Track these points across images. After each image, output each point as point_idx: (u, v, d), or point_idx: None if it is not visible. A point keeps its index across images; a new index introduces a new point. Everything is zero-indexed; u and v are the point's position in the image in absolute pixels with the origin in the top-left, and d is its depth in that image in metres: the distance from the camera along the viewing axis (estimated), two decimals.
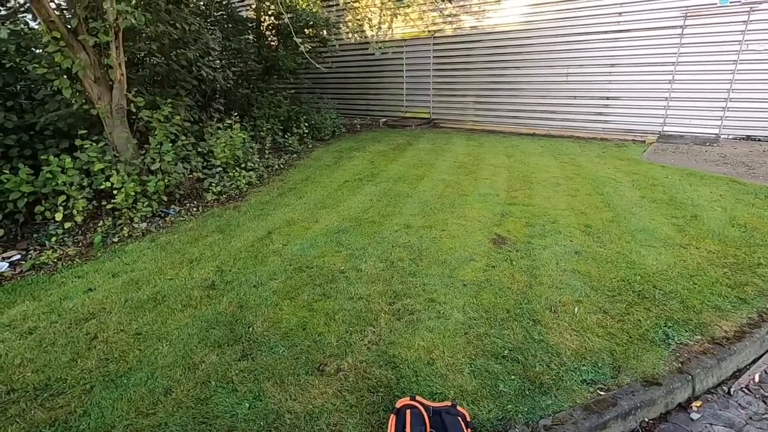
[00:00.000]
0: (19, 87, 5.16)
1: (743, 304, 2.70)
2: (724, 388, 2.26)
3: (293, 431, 1.91)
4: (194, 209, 5.00)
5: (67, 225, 4.18)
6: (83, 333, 2.66)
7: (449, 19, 10.16)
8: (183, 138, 5.44)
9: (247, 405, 2.05)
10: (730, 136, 7.64)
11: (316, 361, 2.32)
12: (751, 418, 2.08)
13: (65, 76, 4.67)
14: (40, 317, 2.87)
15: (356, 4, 11.28)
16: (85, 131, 4.68)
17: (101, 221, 4.40)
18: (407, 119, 11.42)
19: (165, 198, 4.93)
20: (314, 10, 9.35)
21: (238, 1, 11.52)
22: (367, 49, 9.48)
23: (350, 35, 11.76)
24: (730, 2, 6.93)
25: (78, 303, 3.02)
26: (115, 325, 2.74)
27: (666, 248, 3.47)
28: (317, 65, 6.92)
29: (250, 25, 9.23)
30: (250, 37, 9.16)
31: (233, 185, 5.61)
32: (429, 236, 3.86)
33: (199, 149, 5.80)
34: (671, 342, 2.38)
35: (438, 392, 2.08)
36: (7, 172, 4.16)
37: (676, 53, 7.56)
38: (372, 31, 10.96)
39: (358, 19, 11.12)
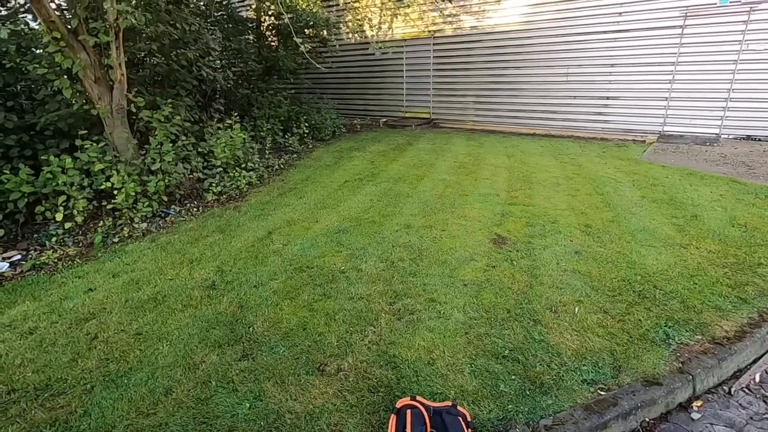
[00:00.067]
0: (19, 87, 5.17)
1: (744, 303, 2.70)
2: (725, 388, 2.26)
3: (294, 431, 1.91)
4: (194, 209, 5.00)
5: (67, 225, 4.18)
6: (83, 333, 2.66)
7: (449, 19, 10.16)
8: (183, 138, 5.44)
9: (248, 405, 2.05)
10: (730, 136, 7.63)
11: (316, 361, 2.32)
12: (751, 418, 2.08)
13: (65, 77, 4.67)
14: (40, 317, 2.87)
15: (356, 4, 11.29)
16: (86, 131, 4.68)
17: (101, 221, 4.40)
18: (407, 119, 11.42)
19: (165, 198, 4.93)
20: (314, 11, 9.35)
21: (238, 2, 11.52)
22: (367, 49, 9.48)
23: (350, 35, 11.76)
24: (730, 2, 6.93)
25: (78, 303, 3.02)
26: (115, 325, 2.74)
27: (666, 248, 3.47)
28: (317, 65, 6.92)
29: (251, 25, 9.23)
30: (251, 37, 9.16)
31: (233, 185, 5.61)
32: (429, 236, 3.86)
33: (200, 149, 5.80)
34: (672, 342, 2.38)
35: (438, 392, 2.07)
36: (8, 172, 4.16)
37: (676, 53, 7.56)
38: (372, 31, 10.97)
39: (358, 19, 11.13)
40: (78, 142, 4.55)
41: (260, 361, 2.33)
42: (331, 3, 11.62)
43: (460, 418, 1.77)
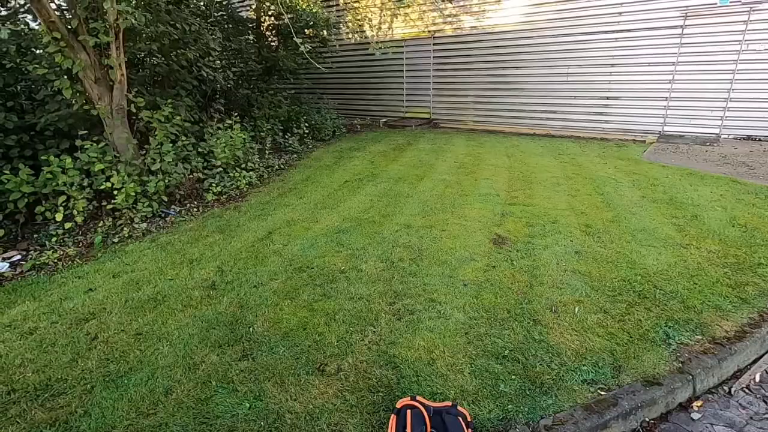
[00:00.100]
0: (19, 87, 5.17)
1: (744, 303, 2.70)
2: (725, 388, 2.26)
3: (294, 431, 1.91)
4: (194, 209, 5.00)
5: (67, 225, 4.18)
6: (84, 333, 2.66)
7: (449, 19, 10.16)
8: (183, 138, 5.44)
9: (248, 405, 2.05)
10: (730, 136, 7.63)
11: (316, 361, 2.32)
12: (752, 418, 2.08)
13: (66, 77, 4.67)
14: (40, 317, 2.87)
15: (356, 5, 11.29)
16: (86, 132, 4.68)
17: (101, 221, 4.40)
18: (407, 119, 11.42)
19: (165, 198, 4.93)
20: (314, 11, 9.34)
21: (238, 2, 11.52)
22: (368, 49, 9.48)
23: (350, 35, 11.76)
24: (730, 2, 6.93)
25: (78, 303, 3.02)
26: (115, 325, 2.74)
27: (666, 248, 3.47)
28: (317, 65, 6.92)
29: (251, 25, 9.23)
30: (251, 37, 9.15)
31: (233, 185, 5.61)
32: (429, 236, 3.86)
33: (200, 149, 5.80)
34: (672, 342, 2.38)
35: (438, 392, 2.07)
36: (8, 172, 4.16)
37: (676, 53, 7.56)
38: (372, 31, 10.97)
39: (358, 20, 11.12)
40: (78, 143, 4.55)
41: (260, 361, 2.33)
42: (331, 3, 11.61)
43: (460, 418, 1.77)
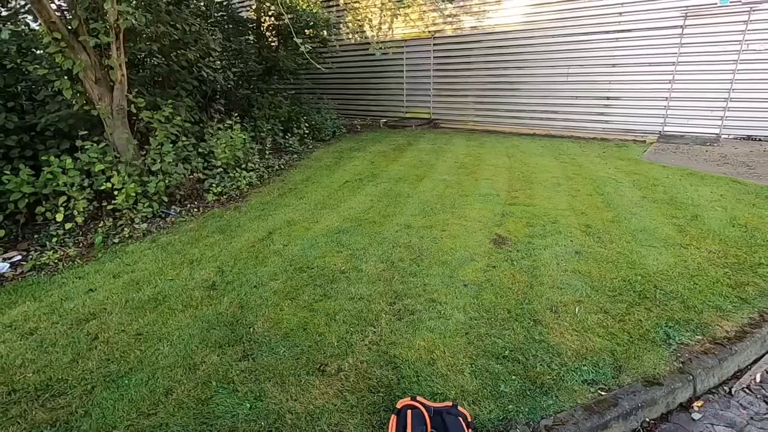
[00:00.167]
0: (20, 88, 5.17)
1: (744, 304, 2.70)
2: (726, 388, 2.25)
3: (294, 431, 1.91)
4: (195, 210, 5.00)
5: (67, 226, 4.19)
6: (84, 333, 2.66)
7: (449, 19, 10.16)
8: (183, 139, 5.44)
9: (248, 405, 2.05)
10: (730, 136, 7.63)
11: (316, 361, 2.32)
12: (752, 418, 2.08)
13: (66, 77, 4.67)
14: (41, 318, 2.87)
15: (356, 5, 11.29)
16: (86, 132, 4.69)
17: (102, 222, 4.41)
18: (407, 119, 11.42)
19: (165, 199, 4.93)
20: (314, 11, 9.35)
21: (238, 2, 11.52)
22: (368, 49, 9.48)
23: (350, 36, 11.76)
24: (730, 2, 6.93)
25: (79, 303, 3.02)
26: (115, 325, 2.74)
27: (667, 248, 3.47)
28: (317, 66, 6.92)
29: (251, 25, 9.23)
30: (251, 37, 9.15)
31: (234, 186, 5.61)
32: (430, 236, 3.86)
33: (200, 150, 5.81)
34: (672, 342, 2.37)
35: (439, 392, 2.07)
36: (8, 172, 4.17)
37: (676, 53, 7.56)
38: (372, 31, 10.97)
39: (359, 20, 11.12)
40: (78, 143, 4.56)
41: (261, 362, 2.33)
42: (331, 3, 11.62)
43: (461, 419, 1.77)
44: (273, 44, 9.42)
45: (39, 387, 2.22)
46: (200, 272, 3.41)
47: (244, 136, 6.18)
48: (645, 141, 8.06)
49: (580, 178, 5.61)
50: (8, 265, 3.73)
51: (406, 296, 2.92)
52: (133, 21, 4.60)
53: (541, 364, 2.23)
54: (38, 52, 5.21)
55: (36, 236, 4.29)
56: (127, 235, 4.29)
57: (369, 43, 9.26)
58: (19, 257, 3.92)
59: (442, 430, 1.72)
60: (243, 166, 6.08)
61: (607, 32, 8.15)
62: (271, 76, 9.35)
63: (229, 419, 1.98)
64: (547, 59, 9.01)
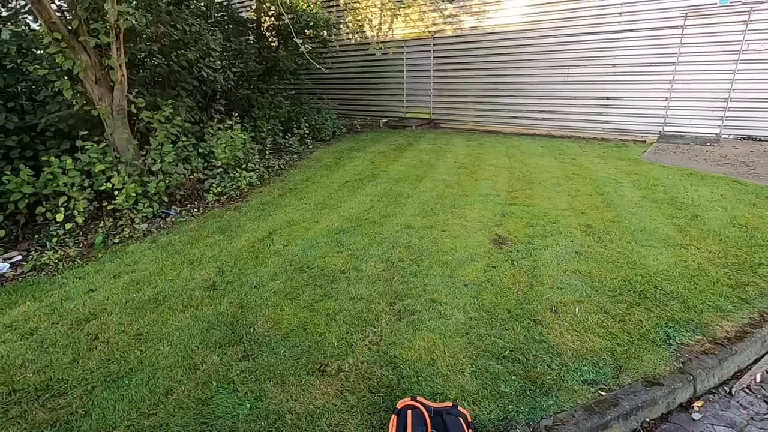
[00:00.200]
0: (20, 88, 5.17)
1: (744, 304, 2.70)
2: (726, 388, 2.25)
3: None
4: (195, 210, 5.00)
5: (68, 226, 4.19)
6: (84, 334, 2.66)
7: (449, 19, 10.17)
8: (184, 139, 5.44)
9: (249, 406, 2.05)
10: (730, 136, 7.63)
11: (317, 361, 2.32)
12: (752, 418, 2.08)
13: (66, 78, 4.67)
14: (41, 318, 2.87)
15: (356, 5, 11.29)
16: (86, 132, 4.69)
17: (102, 222, 4.41)
18: (408, 120, 11.42)
19: (166, 199, 4.94)
20: (314, 11, 9.35)
21: (238, 2, 11.53)
22: (368, 49, 9.48)
23: (351, 36, 11.77)
24: (730, 2, 6.93)
25: (79, 304, 3.02)
26: (116, 325, 2.74)
27: (667, 248, 3.47)
28: (318, 66, 6.92)
29: (251, 25, 9.24)
30: (251, 37, 9.16)
31: (234, 186, 5.61)
32: (430, 236, 3.87)
33: (200, 150, 5.81)
34: (672, 342, 2.37)
35: (439, 392, 2.07)
36: (9, 173, 4.17)
37: (676, 53, 7.56)
38: (372, 31, 10.97)
39: (359, 20, 11.13)
40: (79, 143, 4.56)
41: (261, 362, 2.33)
42: (331, 3, 11.62)
43: (461, 419, 1.77)
44: (273, 44, 9.43)
45: (39, 387, 2.22)
46: (200, 272, 3.41)
47: (244, 136, 6.18)
48: (645, 141, 8.06)
49: (580, 178, 5.61)
50: (8, 265, 3.73)
51: (406, 296, 2.92)
52: (134, 21, 4.60)
53: (541, 364, 2.23)
54: (38, 52, 5.21)
55: (36, 236, 4.29)
56: (127, 236, 4.29)
57: (369, 43, 9.26)
58: (20, 257, 3.92)
59: (443, 431, 1.72)
60: (243, 166, 6.08)
61: (608, 32, 8.15)
62: (272, 76, 9.36)
63: (229, 419, 1.98)
64: (547, 59, 9.01)
